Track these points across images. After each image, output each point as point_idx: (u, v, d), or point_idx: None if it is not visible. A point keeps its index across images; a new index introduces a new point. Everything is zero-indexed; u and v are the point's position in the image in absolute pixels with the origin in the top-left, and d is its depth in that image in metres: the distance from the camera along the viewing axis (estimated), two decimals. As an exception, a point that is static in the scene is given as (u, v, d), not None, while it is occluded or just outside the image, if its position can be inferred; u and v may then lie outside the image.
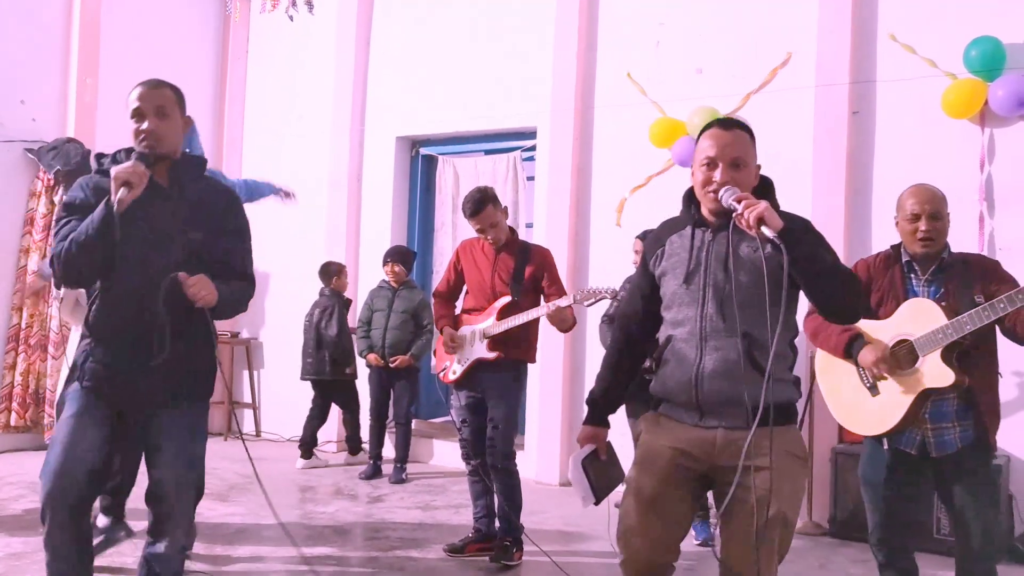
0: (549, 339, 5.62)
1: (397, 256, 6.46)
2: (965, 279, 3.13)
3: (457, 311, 4.64)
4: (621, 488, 2.65)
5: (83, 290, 4.28)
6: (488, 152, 7.19)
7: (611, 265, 5.75)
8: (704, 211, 2.51)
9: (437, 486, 6.16)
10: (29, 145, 6.84)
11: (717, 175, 2.40)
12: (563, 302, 4.21)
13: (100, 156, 2.91)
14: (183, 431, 2.81)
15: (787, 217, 2.34)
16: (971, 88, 5.04)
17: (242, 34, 8.42)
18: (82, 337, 2.84)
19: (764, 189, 2.49)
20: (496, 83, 6.91)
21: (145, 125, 2.73)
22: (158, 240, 2.73)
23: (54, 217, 2.83)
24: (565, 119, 6.50)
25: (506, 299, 4.36)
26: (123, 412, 2.78)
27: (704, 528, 4.80)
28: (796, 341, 2.56)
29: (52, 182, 6.80)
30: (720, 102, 5.83)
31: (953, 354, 3.03)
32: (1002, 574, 4.44)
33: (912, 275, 3.23)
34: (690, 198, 2.59)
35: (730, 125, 2.48)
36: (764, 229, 2.22)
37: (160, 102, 2.76)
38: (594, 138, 6.47)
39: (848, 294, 2.38)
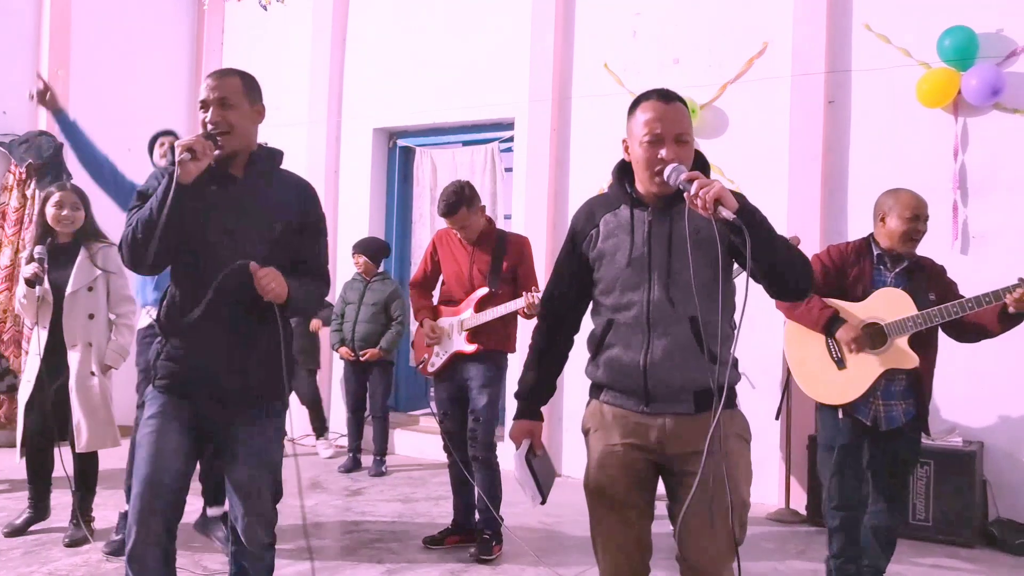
0: (525, 331, 5.61)
1: (363, 248, 6.40)
2: (923, 280, 3.56)
3: (434, 302, 4.63)
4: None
5: (47, 287, 4.24)
6: (466, 143, 7.16)
7: (589, 256, 5.75)
8: (642, 189, 2.38)
9: (417, 478, 6.15)
10: (0, 137, 6.75)
11: (663, 152, 2.26)
12: (540, 295, 4.21)
13: (158, 136, 2.89)
14: (261, 434, 2.70)
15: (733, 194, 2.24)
16: (944, 77, 5.08)
17: (217, 25, 8.33)
18: (151, 334, 2.74)
19: (700, 164, 2.37)
20: (473, 74, 6.88)
21: (208, 116, 2.60)
22: (237, 233, 2.60)
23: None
24: (542, 110, 6.48)
25: (483, 291, 4.35)
26: (203, 411, 2.67)
27: None
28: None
29: (24, 176, 6.71)
30: (697, 92, 5.84)
31: (916, 342, 3.46)
32: (976, 558, 4.54)
33: (882, 267, 3.60)
34: (621, 173, 2.44)
35: (671, 97, 2.32)
36: (721, 210, 2.08)
37: (223, 92, 2.62)
38: (571, 129, 6.46)
39: (801, 272, 2.29)
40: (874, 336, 3.50)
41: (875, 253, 3.59)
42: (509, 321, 4.40)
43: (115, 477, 4.66)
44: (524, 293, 4.22)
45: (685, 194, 2.17)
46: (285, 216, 2.70)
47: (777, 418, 5.14)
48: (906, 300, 3.46)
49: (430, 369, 4.48)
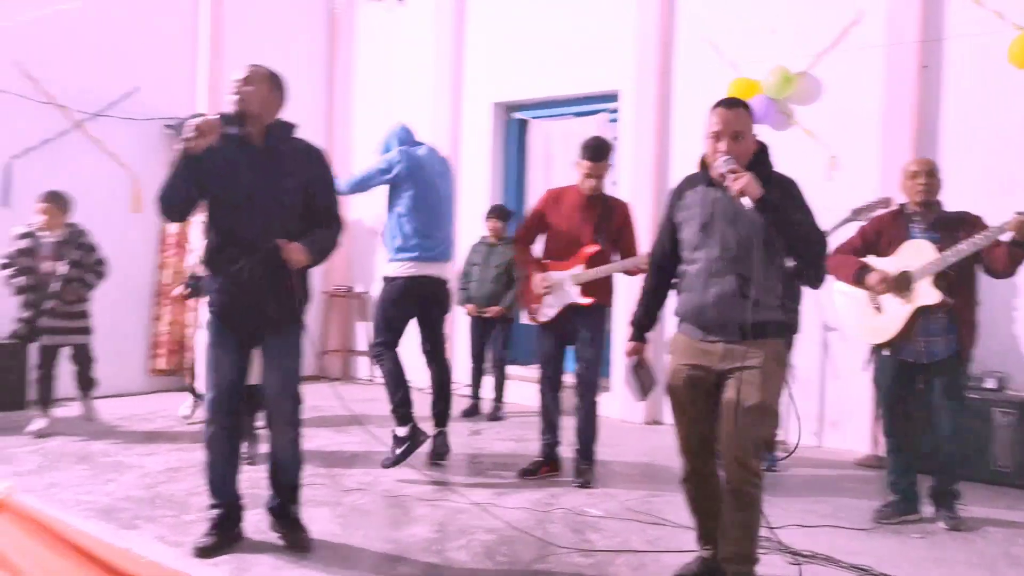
0: (633, 288, 6.06)
1: (500, 213, 7.03)
2: (954, 231, 4.11)
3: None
4: None
5: None
6: (577, 115, 7.61)
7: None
8: (713, 174, 3.10)
9: (530, 422, 6.64)
10: (168, 121, 7.66)
11: (722, 146, 3.01)
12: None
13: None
14: (285, 350, 3.67)
15: (775, 181, 3.02)
16: (1037, 39, 5.16)
17: (349, 13, 9.03)
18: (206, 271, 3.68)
19: (760, 153, 3.12)
20: (582, 49, 7.31)
21: (233, 89, 3.55)
22: (260, 189, 3.47)
23: None
24: (647, 81, 6.86)
25: (595, 248, 4.80)
26: (243, 333, 3.61)
27: None
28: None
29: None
30: (793, 61, 6.09)
31: (943, 282, 4.06)
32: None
33: (913, 224, 4.27)
34: (704, 160, 3.18)
35: (733, 104, 3.08)
36: (744, 199, 2.88)
37: (248, 72, 3.55)
38: (673, 99, 6.82)
39: (812, 255, 3.05)
40: (903, 282, 4.14)
41: (905, 214, 4.31)
42: (613, 278, 4.89)
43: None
44: (622, 253, 4.76)
45: (725, 182, 2.95)
46: (298, 172, 3.57)
47: (864, 369, 5.41)
48: (928, 247, 4.10)
49: (542, 319, 4.94)
